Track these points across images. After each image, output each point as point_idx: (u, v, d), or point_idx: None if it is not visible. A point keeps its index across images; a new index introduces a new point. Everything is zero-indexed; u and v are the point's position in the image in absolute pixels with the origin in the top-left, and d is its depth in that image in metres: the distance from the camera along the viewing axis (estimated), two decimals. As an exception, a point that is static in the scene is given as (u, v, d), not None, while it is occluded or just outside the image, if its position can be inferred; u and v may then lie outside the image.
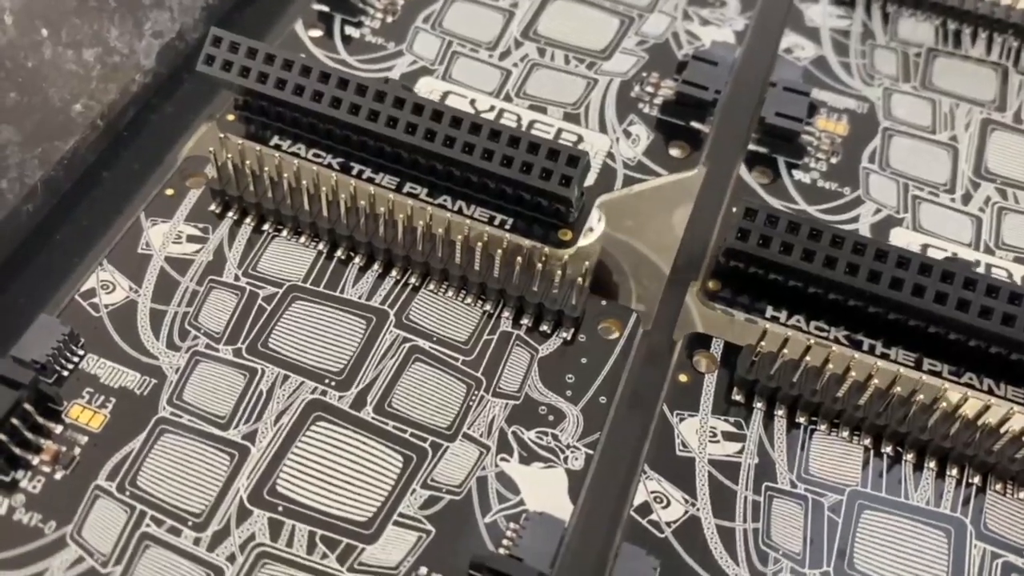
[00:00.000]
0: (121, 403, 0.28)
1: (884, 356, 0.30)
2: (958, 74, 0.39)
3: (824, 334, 0.31)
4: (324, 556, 0.26)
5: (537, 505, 0.27)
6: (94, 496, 0.26)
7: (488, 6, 0.39)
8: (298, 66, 0.32)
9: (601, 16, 0.39)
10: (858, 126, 0.37)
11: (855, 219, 0.34)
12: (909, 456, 0.28)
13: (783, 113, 0.35)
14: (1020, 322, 0.28)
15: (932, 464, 0.28)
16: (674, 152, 0.35)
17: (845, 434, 0.29)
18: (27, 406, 0.26)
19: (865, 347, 0.30)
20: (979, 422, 0.28)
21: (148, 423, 0.28)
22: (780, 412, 0.29)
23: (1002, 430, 0.28)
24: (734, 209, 0.30)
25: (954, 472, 0.28)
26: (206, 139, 0.33)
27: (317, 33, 0.38)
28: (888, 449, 0.28)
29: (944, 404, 0.28)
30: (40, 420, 0.27)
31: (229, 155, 0.31)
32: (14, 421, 0.26)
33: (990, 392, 0.30)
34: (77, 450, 0.27)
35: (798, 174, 0.35)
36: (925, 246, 0.33)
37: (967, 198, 0.35)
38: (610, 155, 0.35)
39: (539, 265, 0.29)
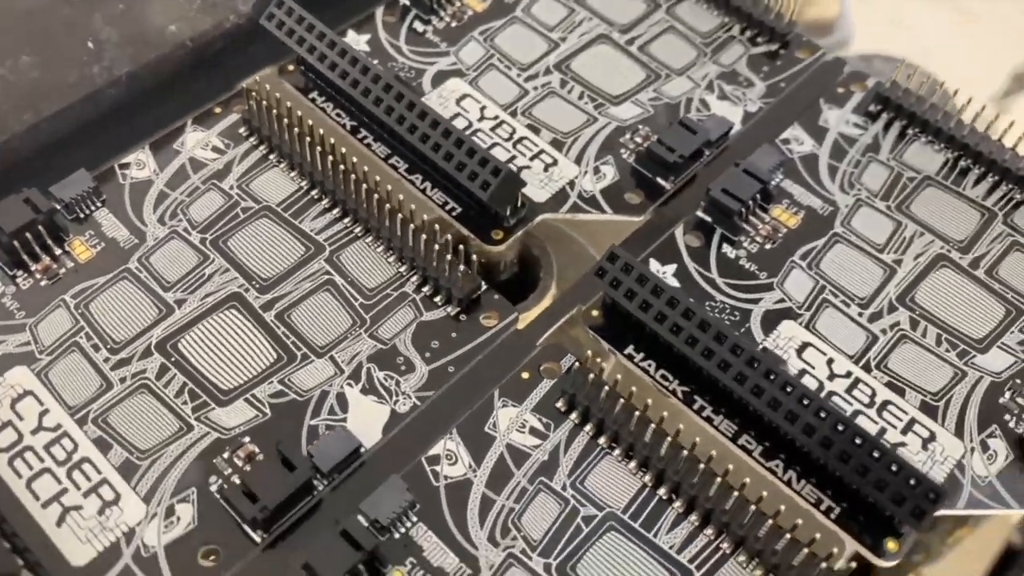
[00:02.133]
0: (108, 248, 0.37)
1: (709, 420, 0.34)
2: (941, 206, 0.40)
3: (667, 384, 0.34)
4: (184, 403, 0.33)
5: (354, 427, 0.33)
6: (57, 305, 0.35)
7: (540, 34, 0.45)
8: (327, 40, 0.39)
9: (633, 68, 0.44)
10: (811, 224, 0.39)
11: (755, 301, 0.37)
12: (677, 504, 0.32)
13: (728, 191, 0.38)
14: (800, 423, 0.30)
15: (694, 518, 0.31)
16: (629, 198, 0.40)
17: (632, 466, 0.32)
18: (40, 228, 0.36)
19: (696, 406, 0.34)
20: (738, 493, 0.31)
21: (117, 269, 0.36)
22: (588, 428, 0.33)
23: (757, 507, 0.30)
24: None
25: (709, 532, 0.31)
26: (264, 78, 0.41)
27: (391, 19, 0.45)
28: (662, 491, 0.32)
29: (711, 466, 0.31)
30: (48, 241, 0.36)
31: (259, 95, 0.39)
32: (27, 235, 0.36)
33: (788, 484, 0.32)
34: (63, 270, 0.36)
35: (727, 248, 0.38)
36: (806, 343, 0.36)
37: (876, 317, 0.36)
38: (571, 183, 0.40)
39: (436, 246, 0.35)
